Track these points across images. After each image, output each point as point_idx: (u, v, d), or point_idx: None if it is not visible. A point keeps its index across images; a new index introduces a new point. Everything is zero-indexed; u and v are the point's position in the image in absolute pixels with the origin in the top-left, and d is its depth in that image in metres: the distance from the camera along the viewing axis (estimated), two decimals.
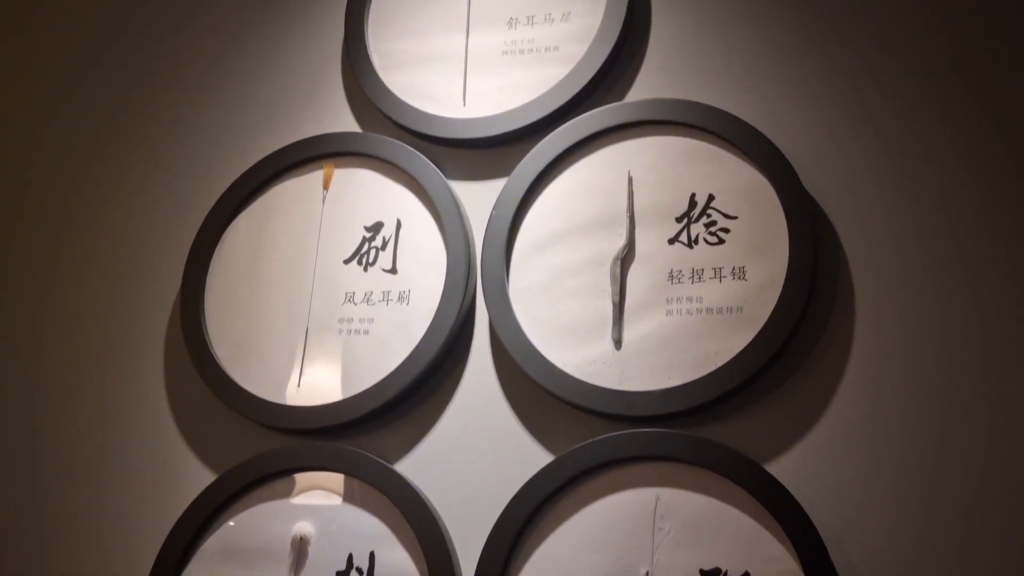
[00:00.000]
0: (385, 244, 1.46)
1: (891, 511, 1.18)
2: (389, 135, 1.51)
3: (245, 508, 1.40)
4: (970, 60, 1.31)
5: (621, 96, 1.46)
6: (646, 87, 1.45)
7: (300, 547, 1.34)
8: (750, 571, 1.18)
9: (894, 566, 1.16)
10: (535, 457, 1.31)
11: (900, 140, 1.31)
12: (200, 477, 1.45)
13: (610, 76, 1.47)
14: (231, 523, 1.39)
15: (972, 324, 1.21)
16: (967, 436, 1.18)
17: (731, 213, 1.33)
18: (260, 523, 1.38)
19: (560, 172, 1.42)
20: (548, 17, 1.51)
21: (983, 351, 1.20)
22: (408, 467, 1.36)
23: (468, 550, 1.29)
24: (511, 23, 1.52)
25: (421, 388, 1.39)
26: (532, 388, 1.34)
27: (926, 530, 1.16)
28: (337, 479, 1.36)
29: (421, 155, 1.47)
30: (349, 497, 1.35)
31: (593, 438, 1.27)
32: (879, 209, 1.30)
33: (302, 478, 1.38)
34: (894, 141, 1.31)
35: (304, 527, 1.35)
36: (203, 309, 1.49)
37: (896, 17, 1.36)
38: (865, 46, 1.37)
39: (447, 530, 1.31)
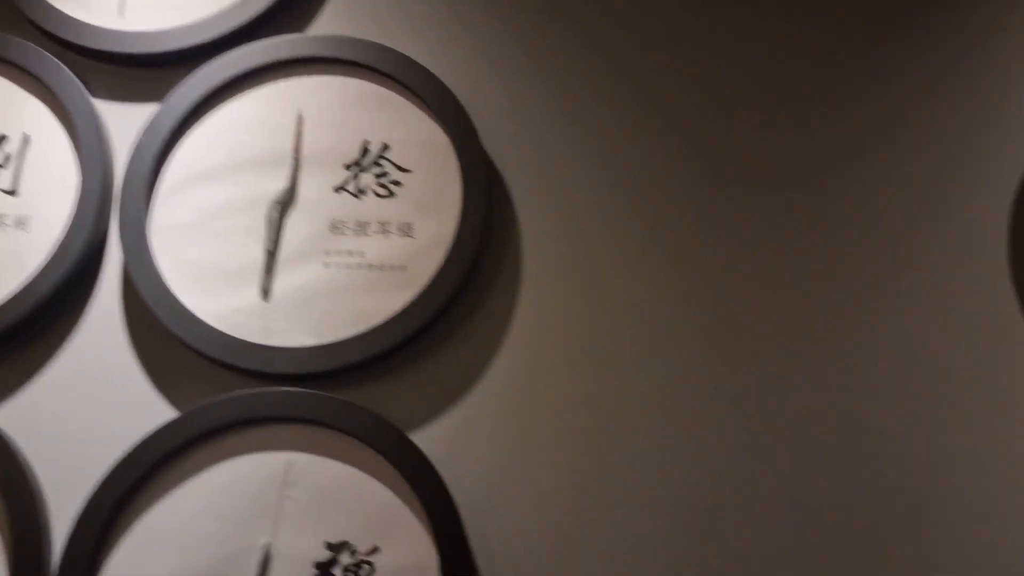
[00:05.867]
0: (7, 161, 1.25)
1: (536, 490, 1.12)
2: (26, 39, 1.30)
3: None
4: (655, 32, 1.30)
5: (302, 28, 1.33)
6: (331, 22, 1.33)
7: None
8: (380, 546, 1.08)
9: (532, 546, 1.10)
10: (158, 414, 1.16)
11: (584, 108, 1.27)
12: None
13: (293, 5, 1.33)
14: None
15: (638, 307, 1.18)
16: (620, 413, 1.14)
17: (405, 166, 1.24)
18: None
19: (222, 102, 1.27)
20: None
21: (644, 332, 1.17)
22: (3, 417, 1.17)
23: (65, 517, 1.11)
24: None
25: (32, 327, 1.20)
26: (164, 337, 1.18)
27: (569, 513, 1.11)
28: None
29: (61, 64, 1.27)
30: None
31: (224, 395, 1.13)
32: (558, 178, 1.24)
33: None
34: (577, 108, 1.27)
35: None
36: None
37: None
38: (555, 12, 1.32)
39: (43, 491, 1.13)
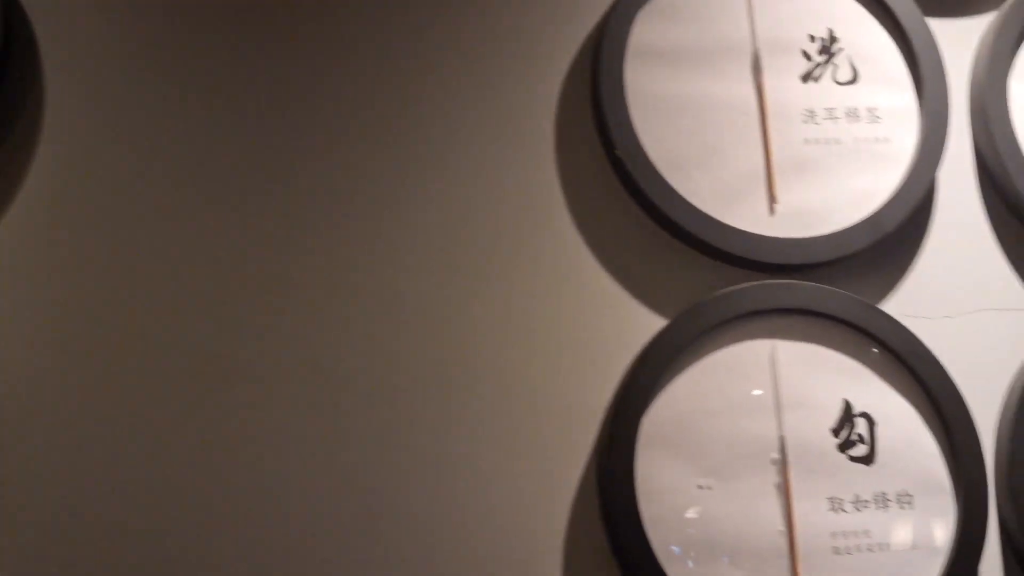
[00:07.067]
0: None
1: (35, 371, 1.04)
2: None
3: None
4: None
5: None
6: None
7: None
8: None
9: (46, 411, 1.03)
10: None
11: None
12: None
13: None
14: None
15: (169, 171, 1.11)
16: (132, 286, 1.07)
17: None
18: None
19: None
20: None
21: (173, 199, 1.10)
22: None
23: None
24: None
25: None
26: None
27: (76, 402, 1.04)
28: None
29: None
30: None
31: None
32: (91, 16, 1.13)
33: None
34: None
35: None
36: None
37: None
38: None
39: None
